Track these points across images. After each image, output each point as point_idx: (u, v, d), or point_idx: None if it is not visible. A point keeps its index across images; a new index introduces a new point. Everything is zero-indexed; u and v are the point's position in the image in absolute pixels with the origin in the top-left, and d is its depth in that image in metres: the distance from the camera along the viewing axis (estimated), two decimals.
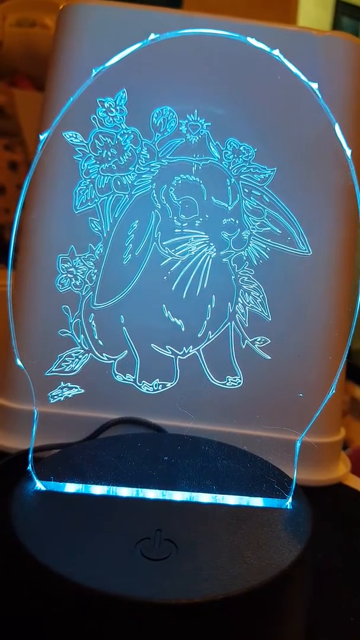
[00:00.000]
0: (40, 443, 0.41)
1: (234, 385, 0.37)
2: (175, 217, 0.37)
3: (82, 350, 0.37)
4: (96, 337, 0.37)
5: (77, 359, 0.37)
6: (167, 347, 0.38)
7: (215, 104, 0.41)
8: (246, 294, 0.37)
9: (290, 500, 0.35)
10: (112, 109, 0.36)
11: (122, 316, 0.38)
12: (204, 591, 0.27)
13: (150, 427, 0.47)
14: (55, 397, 0.36)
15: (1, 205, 1.14)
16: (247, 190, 0.37)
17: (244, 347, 0.37)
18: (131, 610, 0.26)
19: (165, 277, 0.37)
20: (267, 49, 0.33)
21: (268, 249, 0.37)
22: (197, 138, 0.37)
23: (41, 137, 0.33)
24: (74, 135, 0.36)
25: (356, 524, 0.49)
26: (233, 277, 0.37)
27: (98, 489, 0.34)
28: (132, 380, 0.37)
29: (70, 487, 0.34)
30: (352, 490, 0.53)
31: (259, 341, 0.37)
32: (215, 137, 0.37)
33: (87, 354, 0.37)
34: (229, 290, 0.37)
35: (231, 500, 0.34)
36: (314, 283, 0.47)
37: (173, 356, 0.38)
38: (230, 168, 0.37)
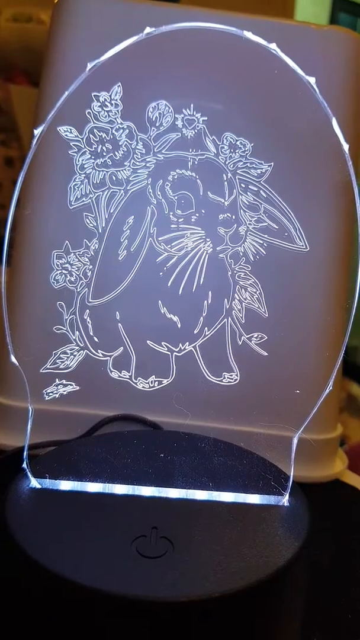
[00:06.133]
0: (35, 440, 0.41)
1: (231, 382, 0.37)
2: (171, 213, 0.37)
3: (78, 347, 0.36)
4: (91, 334, 0.37)
5: (72, 356, 0.36)
6: (163, 343, 0.37)
7: (212, 99, 0.41)
8: (243, 290, 0.37)
9: (287, 497, 0.34)
10: (107, 103, 0.36)
11: (117, 312, 0.37)
12: (200, 589, 0.27)
13: (146, 424, 0.47)
14: (51, 394, 0.36)
15: None
16: (243, 186, 0.36)
17: (240, 343, 0.37)
18: (127, 608, 0.26)
19: (161, 273, 0.37)
20: (263, 42, 0.32)
21: (265, 244, 0.37)
22: (193, 133, 0.36)
23: (35, 131, 0.33)
24: (69, 130, 0.36)
25: (353, 520, 0.49)
26: (229, 273, 0.37)
27: (93, 487, 0.34)
28: (128, 377, 0.37)
29: (66, 485, 0.34)
30: (349, 486, 0.53)
31: (256, 337, 0.37)
32: (212, 131, 0.36)
33: (82, 351, 0.36)
34: (225, 286, 0.37)
35: (228, 497, 0.34)
36: (311, 279, 0.47)
37: (169, 353, 0.37)
38: (227, 163, 0.36)
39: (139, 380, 0.37)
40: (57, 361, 0.36)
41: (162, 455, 0.37)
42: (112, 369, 0.37)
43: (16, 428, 0.46)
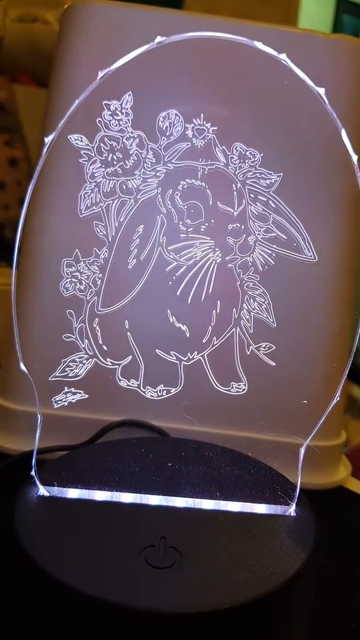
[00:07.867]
0: (42, 445, 0.41)
1: (239, 392, 0.37)
2: (181, 222, 0.37)
3: (87, 355, 0.37)
4: (101, 342, 0.37)
5: (81, 364, 0.36)
6: (171, 352, 0.38)
7: (222, 108, 0.41)
8: (251, 299, 0.37)
9: (294, 507, 0.35)
10: (117, 112, 0.36)
11: (126, 321, 0.37)
12: (209, 601, 0.27)
13: (152, 430, 0.47)
14: (59, 402, 0.36)
15: (1, 202, 1.13)
16: (252, 196, 0.37)
17: (248, 353, 0.37)
18: (136, 619, 0.26)
19: (170, 282, 0.37)
20: (274, 53, 0.32)
21: (273, 254, 0.37)
22: (203, 142, 0.37)
23: (46, 140, 0.33)
24: (79, 139, 0.36)
25: (357, 527, 0.49)
26: (238, 282, 0.37)
27: (102, 495, 0.34)
28: (136, 385, 0.37)
29: (74, 493, 0.34)
30: (353, 493, 0.53)
31: (264, 347, 0.37)
32: (222, 141, 0.36)
33: (91, 359, 0.37)
34: (234, 296, 0.37)
35: (235, 507, 0.34)
36: (319, 289, 0.47)
37: (178, 362, 0.38)
38: (236, 173, 0.36)
39: (148, 388, 0.37)
40: (66, 369, 0.36)
41: (170, 464, 0.37)
42: (120, 378, 0.37)
43: (23, 432, 0.47)
